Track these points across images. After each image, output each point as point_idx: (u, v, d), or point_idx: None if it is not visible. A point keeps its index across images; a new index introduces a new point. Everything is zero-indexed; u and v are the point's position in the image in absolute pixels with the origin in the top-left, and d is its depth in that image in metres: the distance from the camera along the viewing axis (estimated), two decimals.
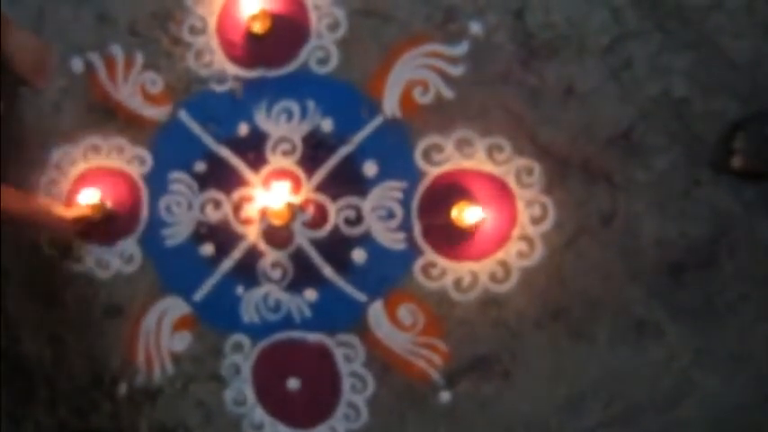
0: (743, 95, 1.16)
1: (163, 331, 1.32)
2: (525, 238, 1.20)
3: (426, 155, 1.23)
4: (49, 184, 1.37)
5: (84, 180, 1.36)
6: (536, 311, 1.20)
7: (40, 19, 1.40)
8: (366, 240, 1.24)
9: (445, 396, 1.22)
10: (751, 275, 1.14)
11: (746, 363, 1.14)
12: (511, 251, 1.20)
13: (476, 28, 1.23)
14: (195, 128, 1.32)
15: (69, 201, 1.35)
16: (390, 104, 1.25)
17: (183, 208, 1.32)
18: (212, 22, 1.33)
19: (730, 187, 1.15)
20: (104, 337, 1.34)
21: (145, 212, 1.33)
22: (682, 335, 1.16)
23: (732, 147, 1.14)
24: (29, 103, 1.40)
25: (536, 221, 1.19)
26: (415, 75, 1.24)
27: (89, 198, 1.33)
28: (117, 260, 1.34)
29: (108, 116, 1.36)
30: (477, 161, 1.22)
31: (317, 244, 1.27)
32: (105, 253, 1.34)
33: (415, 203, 1.23)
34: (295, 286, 1.27)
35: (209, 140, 1.31)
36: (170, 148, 1.33)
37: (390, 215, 1.24)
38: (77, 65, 1.37)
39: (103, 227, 1.34)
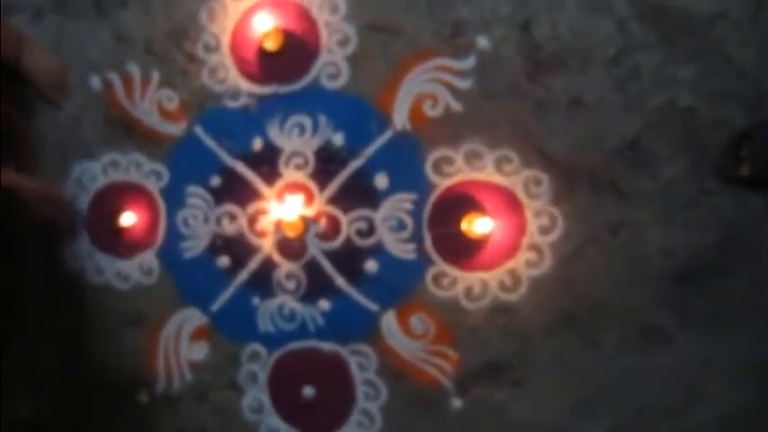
0: (749, 104, 1.16)
1: (181, 341, 1.34)
2: (534, 247, 1.20)
3: (436, 167, 1.24)
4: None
5: (103, 195, 1.39)
6: (545, 319, 1.21)
7: (60, 38, 1.42)
8: (378, 251, 1.26)
9: (456, 403, 1.23)
10: (759, 284, 1.14)
11: (755, 371, 1.14)
12: (520, 260, 1.20)
13: (483, 41, 1.23)
14: (210, 143, 1.34)
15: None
16: (400, 118, 1.26)
17: (200, 221, 1.34)
18: (226, 40, 1.34)
19: (737, 196, 1.15)
20: (125, 346, 1.37)
21: (162, 226, 1.35)
22: (690, 342, 1.16)
23: (739, 155, 1.13)
24: (49, 120, 1.43)
25: (545, 231, 1.20)
26: (424, 88, 1.25)
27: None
28: (136, 272, 1.36)
29: (126, 132, 1.38)
30: (487, 173, 1.22)
31: (330, 255, 1.28)
32: (124, 266, 1.37)
33: (425, 215, 1.24)
34: (309, 297, 1.28)
35: (223, 155, 1.33)
36: (186, 163, 1.35)
37: (401, 226, 1.25)
38: (96, 83, 1.40)
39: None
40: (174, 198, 1.35)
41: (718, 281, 1.15)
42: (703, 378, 1.16)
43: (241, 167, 1.32)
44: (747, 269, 1.14)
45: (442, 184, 1.23)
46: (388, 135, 1.26)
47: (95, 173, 1.39)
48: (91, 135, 1.40)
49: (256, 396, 1.31)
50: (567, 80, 1.21)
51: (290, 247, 1.29)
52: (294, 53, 1.30)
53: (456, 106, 1.24)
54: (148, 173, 1.37)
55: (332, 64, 1.29)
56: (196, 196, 1.34)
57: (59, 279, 1.40)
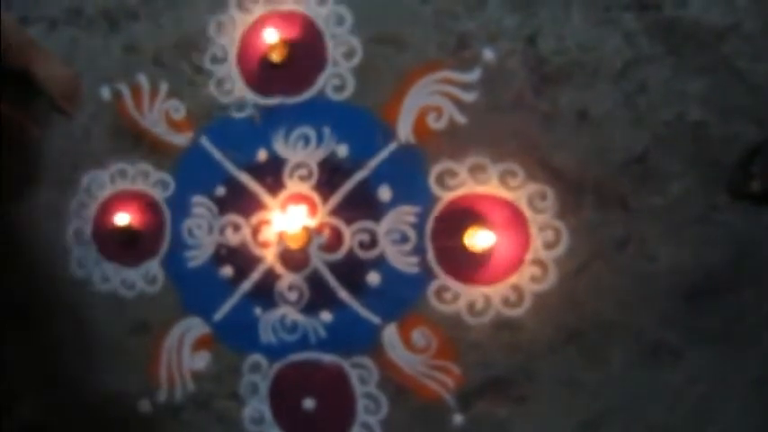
0: (760, 118, 1.11)
1: (184, 350, 1.32)
2: (538, 262, 1.16)
3: (440, 180, 1.21)
4: (78, 207, 1.40)
5: (111, 203, 1.38)
6: (550, 335, 1.16)
7: (73, 49, 1.43)
8: (380, 264, 1.22)
9: (458, 419, 1.19)
10: None
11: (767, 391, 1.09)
12: (524, 275, 1.16)
13: (488, 54, 1.21)
14: (216, 153, 1.32)
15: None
16: (404, 130, 1.23)
17: (204, 231, 1.32)
18: (233, 52, 1.33)
19: (748, 212, 1.10)
20: (129, 355, 1.35)
21: (167, 235, 1.34)
22: (700, 361, 1.11)
23: (750, 171, 1.09)
24: (60, 129, 1.43)
25: (549, 246, 1.16)
26: (428, 101, 1.22)
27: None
28: (141, 281, 1.35)
29: (134, 142, 1.38)
30: (491, 186, 1.19)
31: (333, 267, 1.25)
32: (130, 274, 1.36)
33: (428, 228, 1.21)
34: (311, 308, 1.25)
35: (229, 166, 1.31)
36: (192, 173, 1.33)
37: (404, 239, 1.22)
38: (106, 93, 1.40)
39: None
40: (180, 207, 1.34)
41: (729, 298, 1.11)
42: (714, 397, 1.11)
43: (246, 178, 1.30)
44: (759, 286, 1.10)
45: (446, 197, 1.20)
46: (392, 147, 1.24)
47: (104, 181, 1.39)
48: (100, 144, 1.40)
49: (257, 407, 1.29)
50: (573, 94, 1.18)
51: (292, 259, 1.27)
52: (300, 65, 1.29)
53: (461, 119, 1.21)
54: (155, 182, 1.36)
55: (337, 76, 1.28)
56: (201, 206, 1.33)
57: (66, 286, 1.39)
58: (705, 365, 1.11)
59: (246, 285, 1.29)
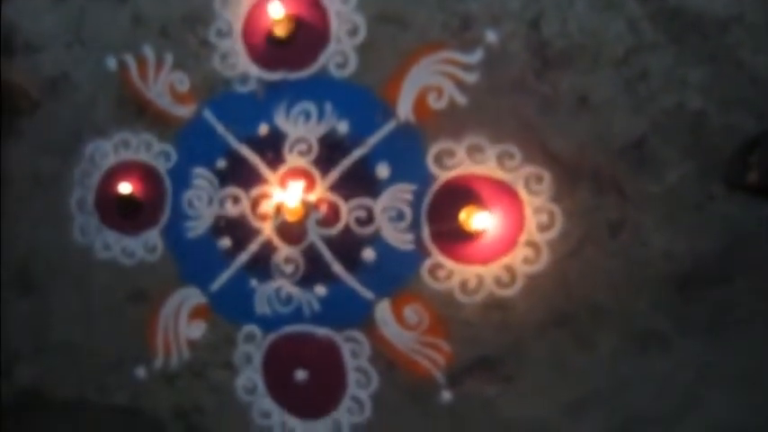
0: (760, 110, 1.09)
1: (180, 319, 1.31)
2: (532, 244, 1.14)
3: (438, 159, 1.19)
4: (82, 176, 1.39)
5: (114, 173, 1.37)
6: (540, 317, 1.15)
7: (81, 19, 1.42)
8: (376, 240, 1.21)
9: (447, 396, 1.18)
10: (762, 292, 1.07)
11: (754, 380, 1.07)
12: (517, 257, 1.15)
13: (491, 36, 1.18)
14: (218, 126, 1.31)
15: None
16: (404, 109, 1.21)
17: (204, 202, 1.31)
18: (238, 26, 1.32)
19: (744, 202, 1.08)
20: (128, 321, 1.35)
21: (168, 205, 1.33)
22: (689, 349, 1.09)
23: (748, 162, 1.06)
24: (66, 99, 1.41)
25: (543, 228, 1.14)
26: (429, 81, 1.20)
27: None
28: (141, 249, 1.34)
29: (138, 113, 1.37)
30: (488, 167, 1.17)
31: (329, 241, 1.24)
32: (130, 242, 1.35)
33: (424, 206, 1.19)
34: (306, 281, 1.25)
35: (230, 139, 1.30)
36: (194, 145, 1.32)
37: (400, 216, 1.20)
38: (112, 63, 1.38)
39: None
40: (181, 178, 1.33)
41: (720, 288, 1.09)
42: (700, 385, 1.09)
43: (246, 151, 1.29)
44: (750, 277, 1.08)
45: (443, 176, 1.19)
46: (391, 125, 1.22)
47: (107, 151, 1.38)
48: (104, 114, 1.39)
49: (250, 377, 1.28)
50: (574, 78, 1.15)
51: (290, 232, 1.26)
52: (304, 41, 1.27)
53: (461, 100, 1.19)
54: (157, 153, 1.35)
55: (340, 53, 1.26)
56: (202, 178, 1.32)
57: (68, 252, 1.38)
58: (693, 354, 1.09)
59: (244, 257, 1.28)
